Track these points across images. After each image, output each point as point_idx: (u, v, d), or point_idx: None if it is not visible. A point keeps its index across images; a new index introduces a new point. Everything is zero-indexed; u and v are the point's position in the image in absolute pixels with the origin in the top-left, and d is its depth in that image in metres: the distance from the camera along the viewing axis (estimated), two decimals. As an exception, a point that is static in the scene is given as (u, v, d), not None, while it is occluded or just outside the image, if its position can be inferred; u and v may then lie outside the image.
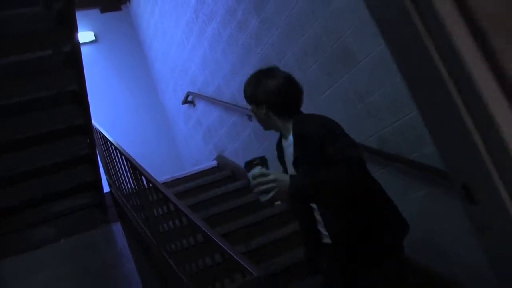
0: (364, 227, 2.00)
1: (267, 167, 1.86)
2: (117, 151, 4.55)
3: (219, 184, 5.41)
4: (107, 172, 5.69)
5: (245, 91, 2.26)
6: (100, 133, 5.07)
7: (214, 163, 6.22)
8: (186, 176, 5.90)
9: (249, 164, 1.84)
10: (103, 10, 8.19)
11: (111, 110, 7.48)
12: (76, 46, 3.32)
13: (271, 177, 1.83)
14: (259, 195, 1.84)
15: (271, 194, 1.81)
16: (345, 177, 1.90)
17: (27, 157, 4.11)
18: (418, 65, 1.08)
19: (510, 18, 0.97)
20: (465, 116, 0.98)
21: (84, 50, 3.77)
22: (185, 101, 6.77)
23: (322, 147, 1.97)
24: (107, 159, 5.36)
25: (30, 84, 3.52)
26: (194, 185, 5.46)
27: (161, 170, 6.13)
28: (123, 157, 4.37)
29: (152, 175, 3.93)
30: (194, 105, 6.74)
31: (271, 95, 2.15)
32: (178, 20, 6.31)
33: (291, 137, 2.15)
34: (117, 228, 5.49)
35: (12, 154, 4.00)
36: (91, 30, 7.94)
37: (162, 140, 7.90)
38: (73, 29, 3.13)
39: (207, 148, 6.63)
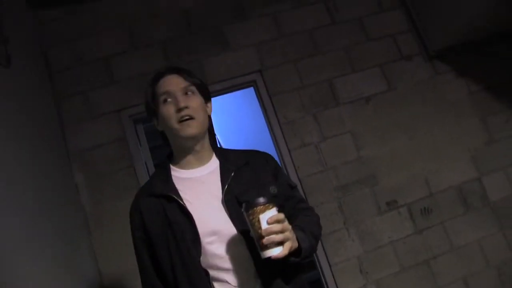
0: None
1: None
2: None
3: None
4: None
5: (192, 74, 1.72)
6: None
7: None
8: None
9: (260, 204, 1.38)
10: None
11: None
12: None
13: (288, 224, 1.42)
14: (267, 248, 1.37)
15: (283, 248, 1.37)
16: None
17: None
18: None
19: None
20: None
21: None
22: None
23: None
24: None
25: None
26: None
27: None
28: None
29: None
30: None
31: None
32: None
33: (215, 161, 1.69)
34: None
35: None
36: None
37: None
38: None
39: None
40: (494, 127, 3.47)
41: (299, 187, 3.09)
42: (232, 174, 1.62)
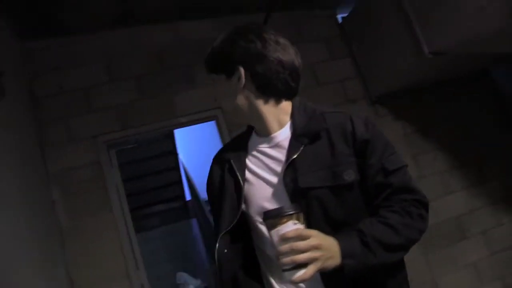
0: None
1: (305, 225, 1.17)
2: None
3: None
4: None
5: (214, 51, 1.46)
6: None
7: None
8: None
9: (275, 216, 1.14)
10: None
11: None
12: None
13: (313, 241, 1.13)
14: (286, 269, 1.12)
15: (307, 270, 1.11)
16: (424, 228, 1.32)
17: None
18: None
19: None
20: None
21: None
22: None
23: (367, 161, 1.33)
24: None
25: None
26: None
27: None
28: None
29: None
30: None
31: (257, 56, 1.38)
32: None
33: (286, 131, 1.42)
34: (194, 221, 8.21)
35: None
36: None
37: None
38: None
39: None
40: (423, 164, 3.99)
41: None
42: (302, 147, 1.35)
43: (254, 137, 1.51)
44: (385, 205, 1.31)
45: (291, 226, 1.13)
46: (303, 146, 1.35)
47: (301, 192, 1.30)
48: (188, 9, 3.73)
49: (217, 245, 1.38)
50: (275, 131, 1.43)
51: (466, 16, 2.84)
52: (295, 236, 1.12)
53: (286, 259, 1.11)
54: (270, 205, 1.32)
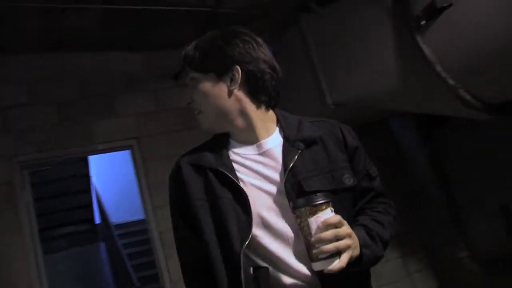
0: None
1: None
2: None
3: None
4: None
5: (193, 54, 1.39)
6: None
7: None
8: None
9: (316, 203, 1.13)
10: None
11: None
12: None
13: (347, 229, 1.17)
14: (319, 259, 1.12)
15: (340, 259, 1.12)
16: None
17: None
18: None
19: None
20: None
21: None
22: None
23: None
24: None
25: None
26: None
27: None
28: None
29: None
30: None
31: (254, 58, 1.35)
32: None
33: (275, 139, 1.38)
34: (102, 245, 8.16)
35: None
36: None
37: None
38: None
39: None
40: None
41: (157, 239, 3.75)
42: (299, 152, 1.33)
43: (233, 144, 1.40)
44: (370, 206, 1.42)
45: (330, 213, 1.13)
46: (299, 151, 1.32)
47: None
48: (115, 42, 3.92)
49: (241, 265, 1.22)
50: (263, 138, 1.37)
51: (364, 75, 3.24)
52: (337, 223, 1.13)
53: (328, 246, 1.10)
54: (270, 213, 1.28)
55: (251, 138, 1.37)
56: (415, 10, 2.77)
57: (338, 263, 1.11)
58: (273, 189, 1.30)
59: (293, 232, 1.26)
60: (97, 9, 3.29)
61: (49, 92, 3.79)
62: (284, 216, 1.27)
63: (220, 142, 1.39)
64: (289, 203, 1.22)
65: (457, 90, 2.75)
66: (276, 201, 1.29)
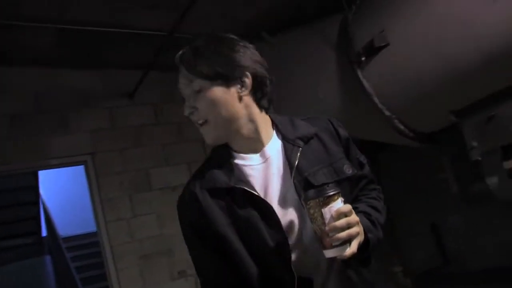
0: None
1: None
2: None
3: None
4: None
5: (198, 62, 1.31)
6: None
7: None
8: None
9: (329, 194, 1.18)
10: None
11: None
12: None
13: (356, 217, 1.22)
14: (332, 247, 1.18)
15: (351, 246, 1.19)
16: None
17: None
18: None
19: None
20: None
21: None
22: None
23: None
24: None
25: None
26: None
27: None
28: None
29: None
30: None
31: (260, 63, 1.37)
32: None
33: (274, 142, 1.38)
34: (48, 258, 8.15)
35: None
36: None
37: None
38: None
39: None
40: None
41: (109, 253, 3.84)
42: (300, 150, 1.35)
43: (237, 155, 1.36)
44: (364, 193, 1.50)
45: (341, 203, 1.19)
46: (300, 148, 1.34)
47: None
48: (71, 60, 3.99)
49: (295, 274, 1.26)
50: (266, 144, 1.36)
51: (310, 103, 3.49)
52: (348, 211, 1.18)
53: (342, 234, 1.15)
54: (286, 218, 1.30)
55: (255, 146, 1.35)
56: (356, 46, 3.05)
57: (349, 249, 1.17)
58: (284, 191, 1.32)
59: (299, 223, 1.30)
60: (53, 28, 3.36)
61: (1, 106, 3.80)
62: (295, 209, 1.31)
63: (224, 157, 1.36)
64: (300, 196, 1.27)
65: (392, 121, 3.04)
66: (288, 199, 1.31)
